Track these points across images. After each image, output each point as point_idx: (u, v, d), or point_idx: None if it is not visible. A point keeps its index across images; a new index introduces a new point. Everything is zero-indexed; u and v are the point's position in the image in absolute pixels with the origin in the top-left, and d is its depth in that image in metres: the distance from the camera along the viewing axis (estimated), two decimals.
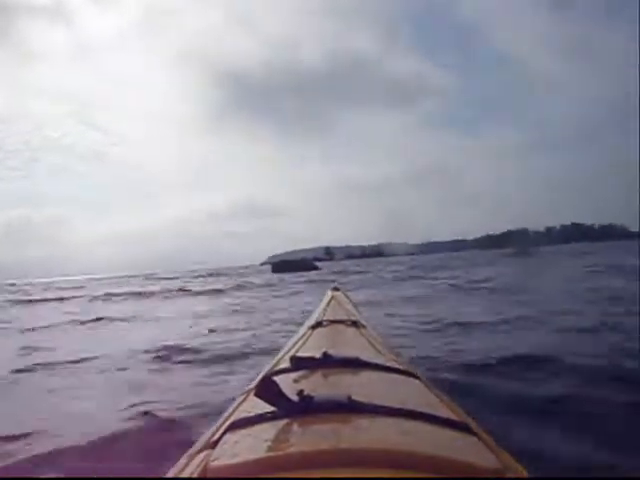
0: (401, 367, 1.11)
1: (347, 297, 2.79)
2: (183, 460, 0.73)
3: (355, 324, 1.74)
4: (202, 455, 0.68)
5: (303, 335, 1.60)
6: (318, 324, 1.73)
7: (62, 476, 2.17)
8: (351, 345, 1.43)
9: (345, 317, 1.88)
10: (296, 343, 1.47)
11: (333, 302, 2.40)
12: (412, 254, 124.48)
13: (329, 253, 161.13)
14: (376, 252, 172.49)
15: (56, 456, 2.31)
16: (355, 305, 2.60)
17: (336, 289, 2.89)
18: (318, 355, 1.04)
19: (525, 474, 0.69)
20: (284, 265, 35.17)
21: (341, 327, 1.71)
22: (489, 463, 0.63)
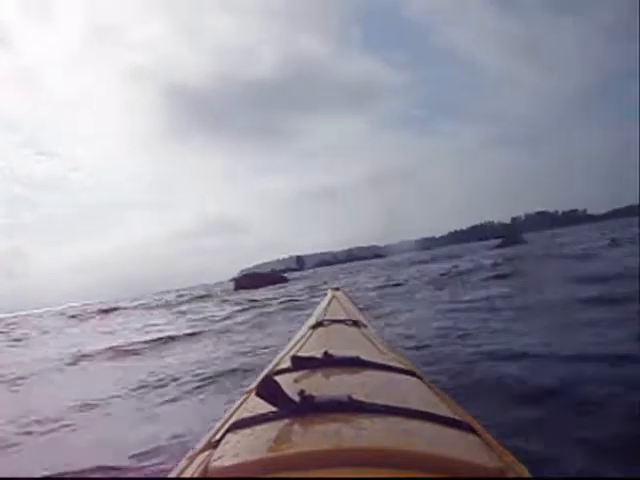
0: (402, 366, 1.11)
1: (348, 297, 2.79)
2: (185, 460, 0.73)
3: (356, 324, 1.75)
4: (203, 455, 0.69)
5: (304, 335, 1.61)
6: (319, 324, 1.74)
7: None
8: (352, 345, 1.43)
9: (346, 317, 1.89)
10: (297, 343, 1.48)
11: (334, 302, 2.42)
12: (383, 256, 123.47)
13: (299, 262, 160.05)
14: (347, 257, 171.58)
15: None
16: (356, 305, 2.60)
17: (336, 289, 2.91)
18: (319, 355, 1.05)
19: (527, 474, 0.69)
20: (249, 280, 30.08)
21: (342, 327, 1.72)
22: (491, 462, 0.63)
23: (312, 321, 1.86)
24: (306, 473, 0.56)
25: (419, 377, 1.06)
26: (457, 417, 0.79)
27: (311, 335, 1.59)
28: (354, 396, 0.74)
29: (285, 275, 35.69)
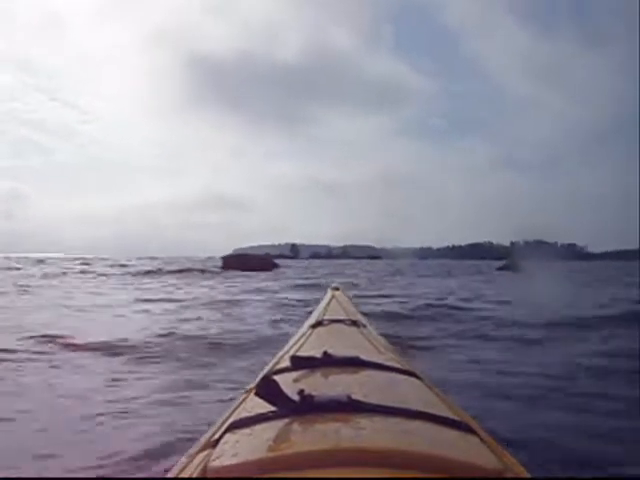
0: (401, 366, 1.11)
1: (347, 296, 2.80)
2: (183, 460, 0.72)
3: (355, 323, 1.75)
4: (202, 455, 0.69)
5: (303, 334, 1.61)
6: (318, 323, 1.74)
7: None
8: (351, 344, 1.42)
9: (345, 316, 1.89)
10: (296, 342, 1.48)
11: (333, 301, 2.42)
12: (378, 258, 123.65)
13: (294, 250, 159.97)
14: (342, 254, 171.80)
15: None
16: (355, 304, 2.61)
17: (336, 288, 2.91)
18: (318, 354, 1.04)
19: (526, 474, 0.69)
20: (237, 260, 28.60)
21: (341, 326, 1.72)
22: (490, 463, 0.63)
23: (311, 321, 1.86)
24: (305, 473, 0.56)
25: (418, 377, 1.05)
26: (456, 417, 0.78)
27: (310, 335, 1.59)
28: (353, 396, 0.74)
29: (277, 262, 33.70)
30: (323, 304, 2.41)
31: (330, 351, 1.05)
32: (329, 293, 2.72)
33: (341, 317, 1.86)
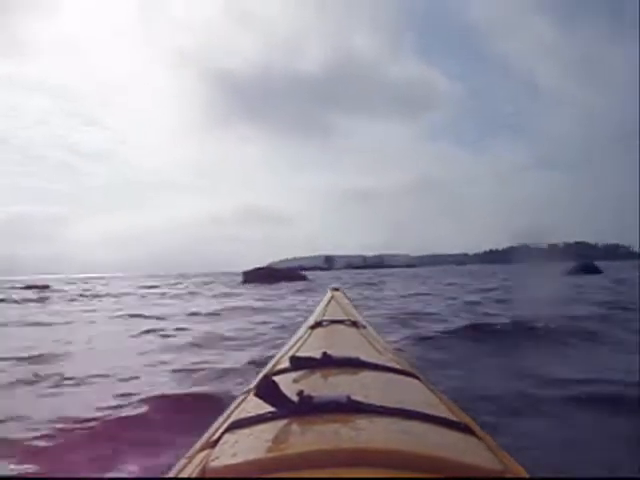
0: (401, 367, 1.11)
1: (347, 297, 2.78)
2: (183, 460, 0.72)
3: (355, 324, 1.74)
4: (202, 455, 0.69)
5: (303, 335, 1.59)
6: (318, 324, 1.73)
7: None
8: (351, 345, 1.42)
9: (345, 317, 1.87)
10: (296, 343, 1.46)
11: (333, 302, 2.40)
12: (413, 266, 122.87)
13: (329, 262, 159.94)
14: (377, 263, 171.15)
15: None
16: (355, 305, 2.58)
17: (336, 289, 2.88)
18: (318, 355, 1.04)
19: (525, 474, 0.69)
20: (259, 274, 27.14)
21: (341, 327, 1.70)
22: (489, 463, 0.63)
23: (311, 321, 1.85)
24: (304, 473, 0.57)
25: (418, 378, 1.06)
26: (455, 418, 0.79)
27: (310, 335, 1.58)
28: (353, 396, 0.74)
29: (304, 273, 32.41)
30: (322, 305, 2.40)
31: (329, 352, 1.05)
32: (329, 294, 2.69)
33: (340, 318, 1.85)
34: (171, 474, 0.70)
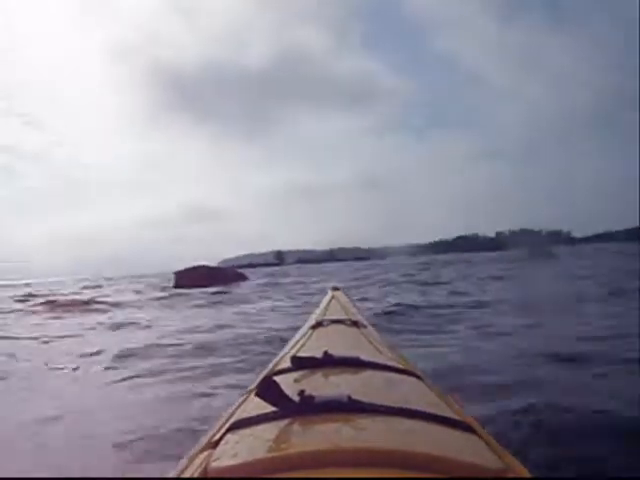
0: (402, 367, 1.11)
1: (347, 297, 2.76)
2: (184, 460, 0.72)
3: (355, 324, 1.73)
4: (203, 455, 0.69)
5: (304, 335, 1.60)
6: (318, 324, 1.73)
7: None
8: (352, 345, 1.42)
9: (345, 317, 1.87)
10: (297, 343, 1.47)
11: (333, 302, 2.39)
12: (367, 259, 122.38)
13: (279, 257, 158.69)
14: (329, 257, 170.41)
15: None
16: (355, 305, 2.57)
17: (336, 289, 2.86)
18: (319, 355, 1.04)
19: (527, 474, 0.68)
20: (191, 275, 22.11)
21: (341, 327, 1.70)
22: (491, 463, 0.63)
23: (312, 321, 1.83)
24: (306, 473, 0.56)
25: (419, 377, 1.05)
26: (457, 417, 0.78)
27: (311, 335, 1.58)
28: (354, 396, 0.74)
29: (243, 272, 27.21)
30: (323, 304, 2.38)
31: (330, 351, 1.04)
32: (329, 293, 2.67)
33: (341, 317, 1.84)
34: (173, 474, 0.70)
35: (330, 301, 2.41)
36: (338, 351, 1.07)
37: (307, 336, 1.56)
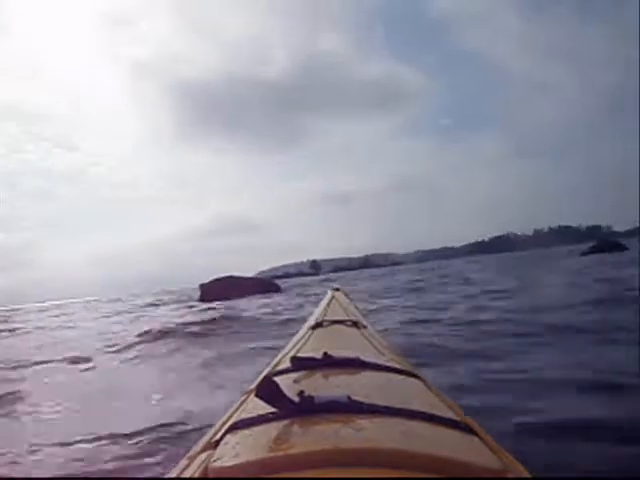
0: (401, 367, 1.10)
1: (348, 297, 2.77)
2: (184, 460, 0.72)
3: (355, 324, 1.73)
4: (203, 456, 0.69)
5: (303, 335, 1.59)
6: (318, 324, 1.72)
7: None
8: (351, 345, 1.41)
9: (345, 317, 1.86)
10: (296, 343, 1.47)
11: (334, 302, 2.39)
12: (400, 264, 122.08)
13: (315, 266, 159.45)
14: (364, 264, 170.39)
15: None
16: (356, 305, 2.58)
17: (336, 289, 2.88)
18: (318, 355, 1.04)
19: (526, 474, 0.68)
20: (217, 288, 20.00)
21: (341, 327, 1.70)
22: (490, 463, 0.63)
23: (312, 322, 1.83)
24: (305, 473, 0.56)
25: (419, 378, 1.05)
26: (457, 418, 0.78)
27: (311, 336, 1.58)
28: (354, 397, 0.74)
29: (278, 283, 24.80)
30: (323, 305, 2.37)
31: (330, 352, 1.04)
32: (329, 294, 2.67)
33: (341, 318, 1.84)
34: (173, 474, 0.70)
35: (330, 301, 2.42)
36: (338, 352, 1.07)
37: (307, 337, 1.56)
